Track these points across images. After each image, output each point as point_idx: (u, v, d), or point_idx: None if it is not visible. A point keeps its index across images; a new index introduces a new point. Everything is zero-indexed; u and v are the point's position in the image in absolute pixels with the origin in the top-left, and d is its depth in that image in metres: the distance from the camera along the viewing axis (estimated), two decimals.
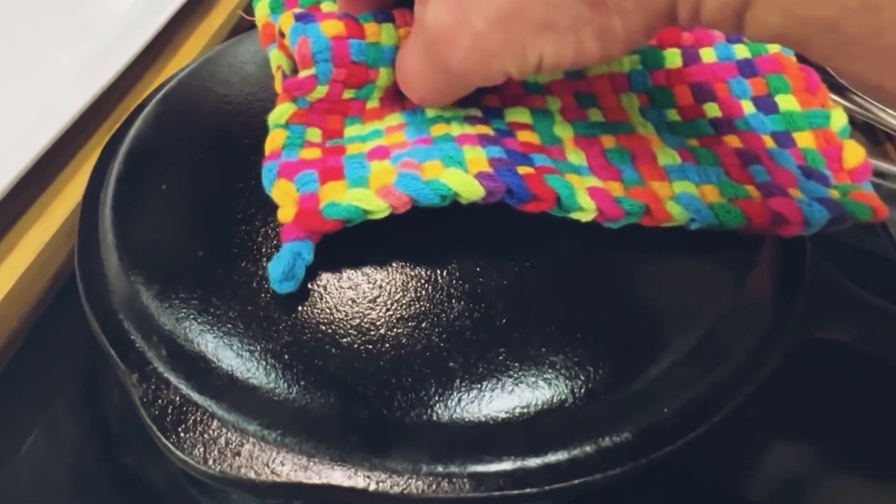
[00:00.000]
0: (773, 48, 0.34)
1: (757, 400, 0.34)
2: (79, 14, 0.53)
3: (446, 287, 0.28)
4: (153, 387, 0.28)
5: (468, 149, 0.28)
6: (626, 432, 0.26)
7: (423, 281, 0.28)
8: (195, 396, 0.27)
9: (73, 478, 0.34)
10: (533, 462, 0.25)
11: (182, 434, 0.26)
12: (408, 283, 0.28)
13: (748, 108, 0.33)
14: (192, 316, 0.28)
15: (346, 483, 0.25)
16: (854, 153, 0.31)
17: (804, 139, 0.32)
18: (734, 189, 0.29)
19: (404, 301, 0.27)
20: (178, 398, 0.27)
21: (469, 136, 0.29)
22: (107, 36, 0.49)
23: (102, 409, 0.36)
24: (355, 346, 0.26)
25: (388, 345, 0.26)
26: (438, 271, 0.28)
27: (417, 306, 0.27)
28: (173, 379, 0.27)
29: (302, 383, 0.26)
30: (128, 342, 0.29)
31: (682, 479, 0.33)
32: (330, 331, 0.27)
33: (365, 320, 0.27)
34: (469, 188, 0.27)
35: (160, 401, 0.27)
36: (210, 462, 0.26)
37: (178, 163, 0.33)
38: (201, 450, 0.26)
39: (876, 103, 0.41)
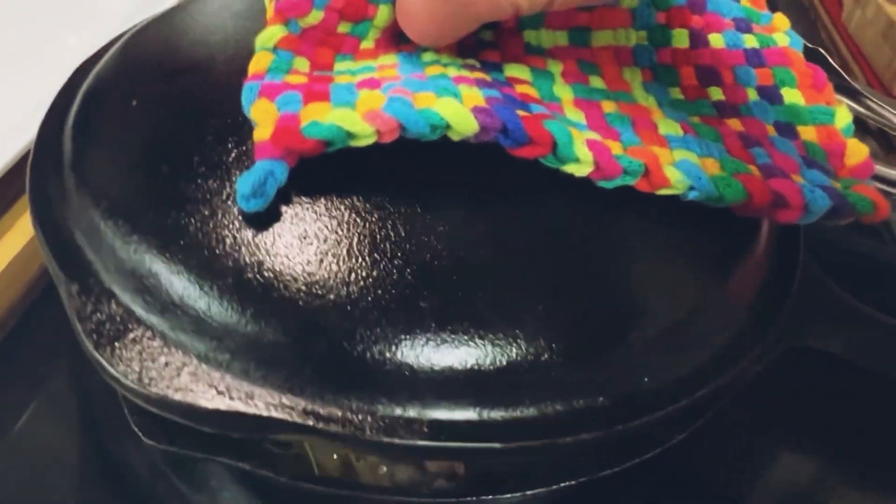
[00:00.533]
0: (782, 42, 0.33)
1: (745, 403, 0.33)
2: (82, 4, 0.51)
3: (426, 226, 0.26)
4: (93, 299, 0.25)
5: (464, 87, 0.27)
6: (602, 396, 0.24)
7: (401, 217, 0.26)
8: (139, 311, 0.25)
9: (57, 462, 0.33)
10: (499, 414, 0.23)
11: (119, 350, 0.24)
12: (385, 217, 0.26)
13: (752, 95, 0.32)
14: (146, 229, 0.26)
15: (294, 418, 0.23)
16: (857, 151, 0.30)
17: (807, 133, 0.31)
18: (735, 164, 0.28)
19: (380, 235, 0.25)
20: (119, 312, 0.25)
21: (466, 78, 0.28)
22: (110, 26, 0.48)
23: (88, 395, 0.35)
24: (321, 273, 0.24)
25: (356, 276, 0.24)
26: (419, 210, 0.26)
27: (393, 241, 0.25)
28: (118, 291, 0.25)
29: (258, 306, 0.24)
30: (72, 252, 0.26)
31: (669, 481, 0.31)
32: (295, 255, 0.25)
33: (335, 249, 0.25)
34: (463, 120, 0.25)
35: (99, 314, 0.25)
36: (146, 382, 0.23)
37: (152, 83, 0.31)
38: (138, 368, 0.24)
39: (890, 108, 0.40)
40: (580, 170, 0.26)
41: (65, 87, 0.34)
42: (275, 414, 0.23)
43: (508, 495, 0.29)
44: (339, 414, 0.23)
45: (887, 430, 0.34)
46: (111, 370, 0.24)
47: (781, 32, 0.34)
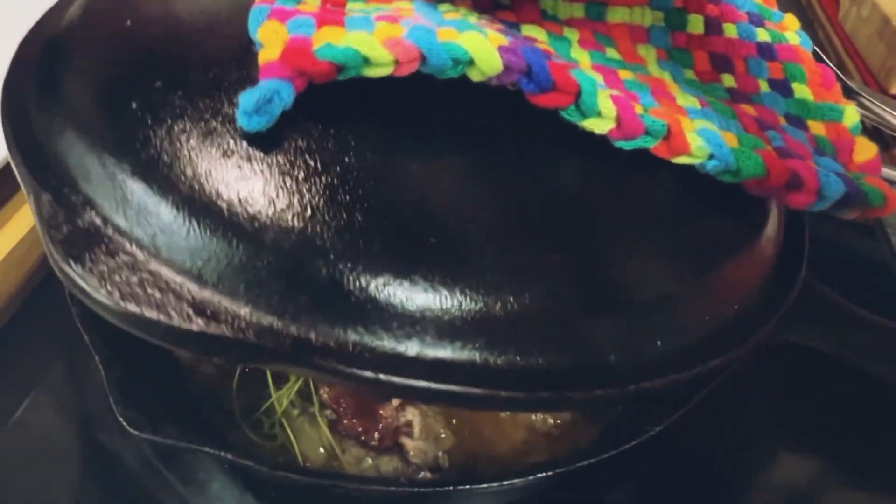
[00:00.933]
0: (794, 40, 0.33)
1: (743, 399, 0.32)
2: None
3: (442, 168, 0.24)
4: (67, 209, 0.23)
5: (488, 29, 0.26)
6: (614, 354, 0.22)
7: (416, 156, 0.24)
8: (120, 223, 0.22)
9: (53, 453, 0.33)
10: (505, 360, 0.21)
11: (91, 263, 0.22)
12: (398, 154, 0.24)
13: (764, 87, 0.32)
14: (137, 141, 0.24)
15: (285, 347, 0.21)
16: (865, 148, 0.30)
17: (816, 127, 0.31)
18: (754, 141, 0.27)
19: (392, 170, 0.24)
20: (96, 223, 0.22)
21: (486, 24, 0.27)
22: None
23: (80, 391, 0.35)
24: (325, 200, 0.22)
25: (363, 206, 0.23)
26: (434, 151, 0.25)
27: (405, 178, 0.24)
28: (98, 201, 0.23)
29: (255, 225, 0.22)
30: (48, 163, 0.24)
31: (658, 475, 0.30)
32: (299, 180, 0.23)
33: (343, 178, 0.23)
34: (487, 56, 0.24)
35: (71, 225, 0.22)
36: (119, 297, 0.21)
37: (144, 4, 0.29)
38: (112, 282, 0.21)
39: (885, 107, 0.40)
40: (601, 125, 0.25)
41: (51, 10, 0.32)
42: (263, 342, 0.21)
43: (485, 485, 0.27)
44: (335, 347, 0.21)
45: (886, 428, 0.33)
46: (81, 283, 0.21)
47: (792, 31, 0.34)
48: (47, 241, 0.22)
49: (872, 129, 0.41)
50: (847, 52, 0.48)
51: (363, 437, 0.31)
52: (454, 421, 0.33)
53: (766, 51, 0.32)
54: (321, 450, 0.31)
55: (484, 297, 0.22)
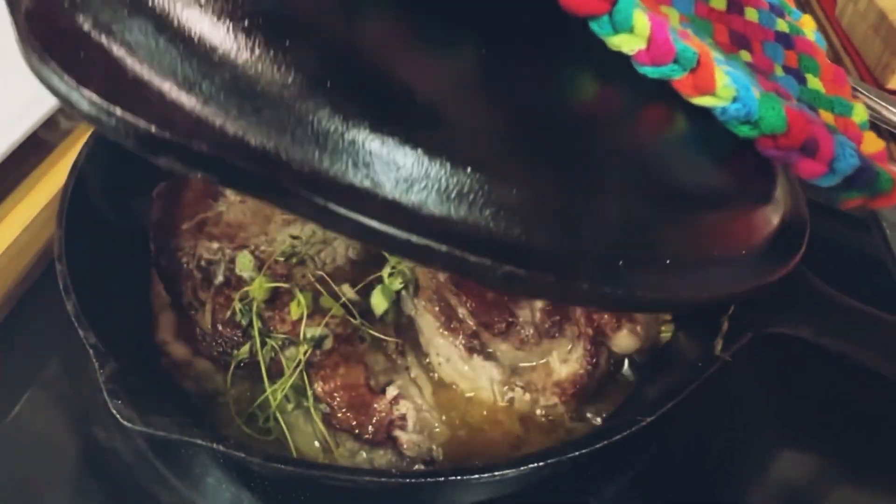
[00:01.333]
0: (810, 36, 0.33)
1: (742, 397, 0.32)
2: None
3: (466, 52, 0.23)
4: (50, 7, 0.21)
5: None
6: (622, 260, 0.21)
7: (446, 36, 0.23)
8: (111, 26, 0.20)
9: (51, 449, 0.33)
10: (508, 234, 0.20)
11: (73, 62, 0.20)
12: (426, 28, 0.23)
13: (779, 71, 0.31)
14: None
15: (268, 172, 0.19)
16: (873, 142, 0.30)
17: (826, 117, 0.30)
18: (776, 99, 0.26)
19: (416, 40, 0.23)
20: (83, 25, 0.20)
21: None
22: None
23: (76, 386, 0.35)
24: (340, 50, 0.21)
25: (382, 66, 0.21)
26: (462, 34, 0.23)
27: (430, 54, 0.23)
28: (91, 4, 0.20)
29: (273, 48, 0.20)
30: None
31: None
32: (316, 26, 0.21)
33: (362, 36, 0.22)
34: None
35: (56, 23, 0.20)
36: (99, 98, 0.19)
37: None
38: (93, 83, 0.19)
39: (881, 102, 0.40)
40: (631, 43, 0.24)
41: None
42: (249, 165, 0.19)
43: (477, 476, 0.26)
44: (327, 182, 0.19)
45: (882, 421, 0.33)
46: (59, 84, 0.19)
47: (809, 30, 0.34)
48: (25, 40, 0.20)
49: (869, 124, 0.41)
50: (844, 48, 0.49)
51: (357, 431, 0.31)
52: (448, 415, 0.33)
53: (783, 39, 0.32)
54: (315, 443, 0.31)
55: (494, 170, 0.20)
